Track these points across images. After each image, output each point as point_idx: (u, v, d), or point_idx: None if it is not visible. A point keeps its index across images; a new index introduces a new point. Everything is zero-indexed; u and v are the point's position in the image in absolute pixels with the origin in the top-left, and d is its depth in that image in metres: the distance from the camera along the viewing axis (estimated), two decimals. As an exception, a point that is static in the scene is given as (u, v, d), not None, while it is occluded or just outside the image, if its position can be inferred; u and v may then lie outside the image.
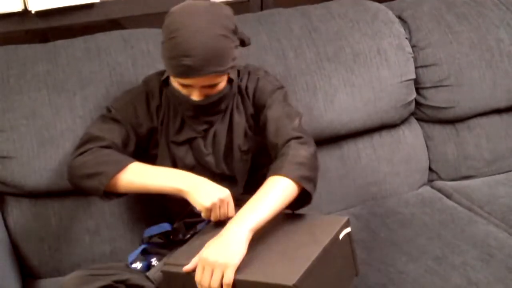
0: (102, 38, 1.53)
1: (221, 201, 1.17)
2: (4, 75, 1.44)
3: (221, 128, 1.32)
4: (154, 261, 1.26)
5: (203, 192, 1.16)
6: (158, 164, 1.32)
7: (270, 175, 1.18)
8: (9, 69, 1.45)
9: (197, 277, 1.07)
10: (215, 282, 1.05)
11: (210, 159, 1.32)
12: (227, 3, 1.84)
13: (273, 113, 1.29)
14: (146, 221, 1.46)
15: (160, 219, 1.34)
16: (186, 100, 1.25)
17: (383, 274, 1.38)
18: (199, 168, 1.33)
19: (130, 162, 1.23)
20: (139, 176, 1.22)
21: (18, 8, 1.62)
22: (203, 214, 1.18)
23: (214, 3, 1.23)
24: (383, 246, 1.48)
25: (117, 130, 1.30)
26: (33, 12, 1.63)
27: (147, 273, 1.23)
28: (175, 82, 1.26)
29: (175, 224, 1.33)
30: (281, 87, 1.35)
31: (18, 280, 1.40)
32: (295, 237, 1.12)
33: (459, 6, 1.82)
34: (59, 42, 1.53)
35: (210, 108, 1.28)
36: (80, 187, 1.26)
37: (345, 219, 1.14)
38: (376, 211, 1.63)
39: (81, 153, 1.26)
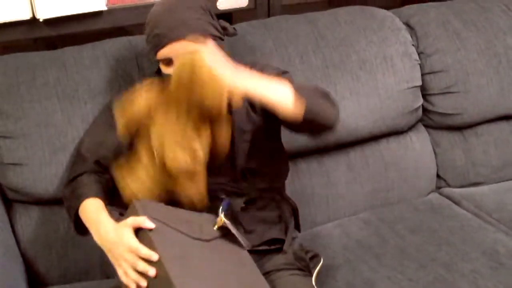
0: (110, 44, 1.54)
1: (128, 255, 1.11)
2: (14, 82, 1.45)
3: None
4: None
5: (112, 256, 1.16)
6: None
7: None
8: (19, 76, 1.45)
9: None
10: None
11: None
12: (234, 11, 1.86)
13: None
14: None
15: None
16: None
17: (393, 281, 1.37)
18: None
19: (86, 198, 1.26)
20: (84, 217, 1.26)
21: (27, 16, 1.63)
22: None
23: None
24: (393, 252, 1.47)
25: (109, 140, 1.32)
26: (41, 20, 1.63)
27: None
28: (161, 66, 1.29)
29: None
30: (286, 72, 1.38)
31: (25, 287, 1.39)
32: None
33: (467, 12, 1.82)
34: (68, 49, 1.54)
35: None
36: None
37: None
38: (384, 217, 1.63)
39: (70, 181, 1.32)
